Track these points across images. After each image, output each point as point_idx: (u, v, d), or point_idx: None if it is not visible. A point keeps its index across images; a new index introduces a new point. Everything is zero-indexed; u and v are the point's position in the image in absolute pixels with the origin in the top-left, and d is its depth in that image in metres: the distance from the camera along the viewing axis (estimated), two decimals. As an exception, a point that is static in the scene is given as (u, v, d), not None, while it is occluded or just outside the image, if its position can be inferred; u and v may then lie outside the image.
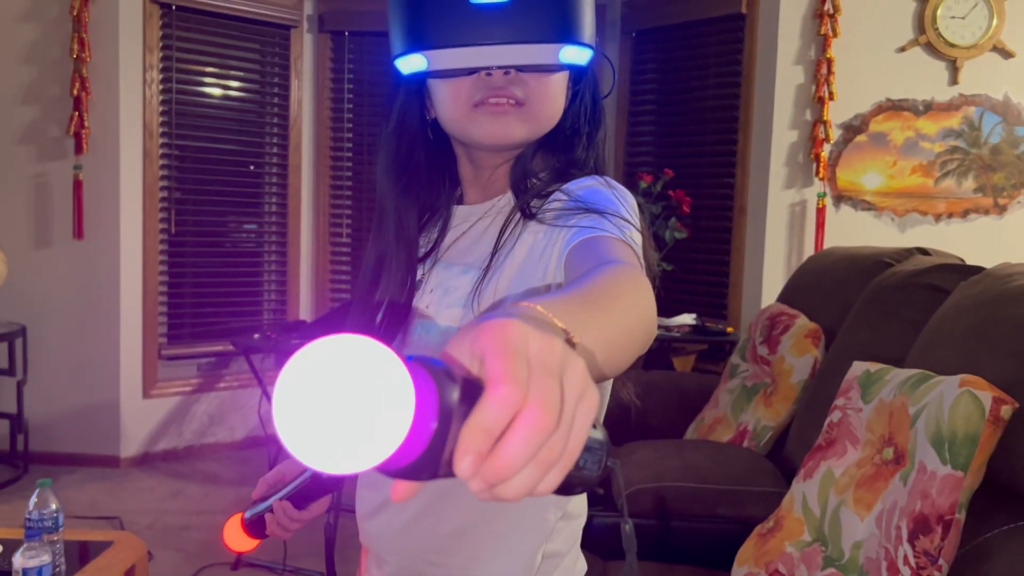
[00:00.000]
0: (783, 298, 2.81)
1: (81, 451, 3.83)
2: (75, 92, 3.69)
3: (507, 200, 0.92)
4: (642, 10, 4.12)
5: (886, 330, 2.04)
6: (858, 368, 1.85)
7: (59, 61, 3.71)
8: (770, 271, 3.68)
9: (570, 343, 0.49)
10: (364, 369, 0.38)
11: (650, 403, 2.77)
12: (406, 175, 0.94)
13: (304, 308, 4.37)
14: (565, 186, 0.87)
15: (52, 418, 3.82)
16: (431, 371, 0.41)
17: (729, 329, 3.65)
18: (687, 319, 3.63)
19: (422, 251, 0.97)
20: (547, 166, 0.92)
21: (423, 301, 0.93)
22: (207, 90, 4.10)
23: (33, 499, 1.84)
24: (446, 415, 0.40)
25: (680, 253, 3.86)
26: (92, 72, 3.71)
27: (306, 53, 4.30)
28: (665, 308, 3.81)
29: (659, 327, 3.55)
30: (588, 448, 0.48)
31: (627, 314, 0.61)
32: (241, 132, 4.21)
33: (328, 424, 0.37)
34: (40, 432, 3.79)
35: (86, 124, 3.72)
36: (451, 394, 0.41)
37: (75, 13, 3.66)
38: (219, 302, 4.18)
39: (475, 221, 0.94)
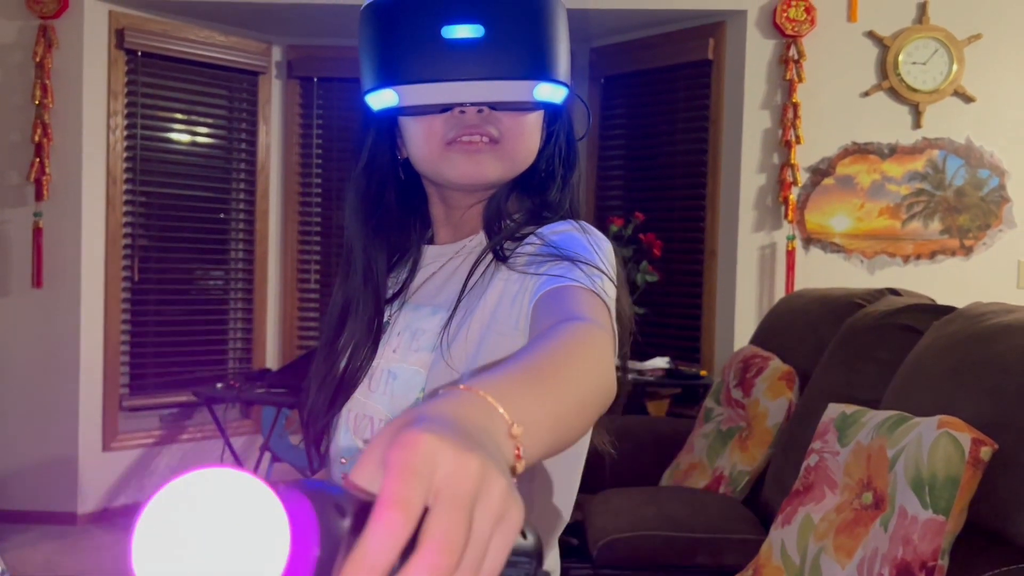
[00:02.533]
0: (756, 340, 2.79)
1: (36, 508, 3.67)
2: (36, 138, 3.63)
3: (479, 240, 0.90)
4: (610, 57, 4.16)
5: (861, 371, 2.02)
6: (834, 410, 1.82)
7: (20, 107, 3.66)
8: (742, 313, 3.67)
9: (512, 435, 0.46)
10: (231, 504, 0.34)
11: (624, 448, 2.71)
12: (375, 216, 0.92)
13: (271, 356, 4.28)
14: (539, 230, 0.84)
15: (6, 474, 3.67)
16: (309, 495, 0.37)
17: (703, 372, 3.62)
18: (660, 363, 3.60)
19: (390, 292, 0.93)
20: (521, 207, 0.90)
21: (390, 344, 0.90)
22: (173, 136, 4.06)
23: (-24, 561, 1.74)
24: (330, 542, 0.36)
25: (652, 296, 3.84)
26: (54, 118, 3.66)
27: (274, 99, 4.28)
28: (638, 352, 3.78)
29: (632, 371, 3.51)
30: (512, 563, 0.43)
31: (581, 383, 0.58)
32: (208, 178, 4.16)
33: (198, 571, 0.34)
34: (-7, 488, 3.64)
35: (47, 171, 3.65)
36: (335, 519, 0.37)
37: (38, 59, 3.61)
38: (183, 351, 4.08)
39: (445, 261, 0.92)
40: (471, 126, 0.82)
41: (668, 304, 3.95)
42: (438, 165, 0.85)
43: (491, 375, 0.52)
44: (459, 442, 0.38)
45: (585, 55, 4.25)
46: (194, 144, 4.12)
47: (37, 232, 3.67)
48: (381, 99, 0.83)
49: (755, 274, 3.69)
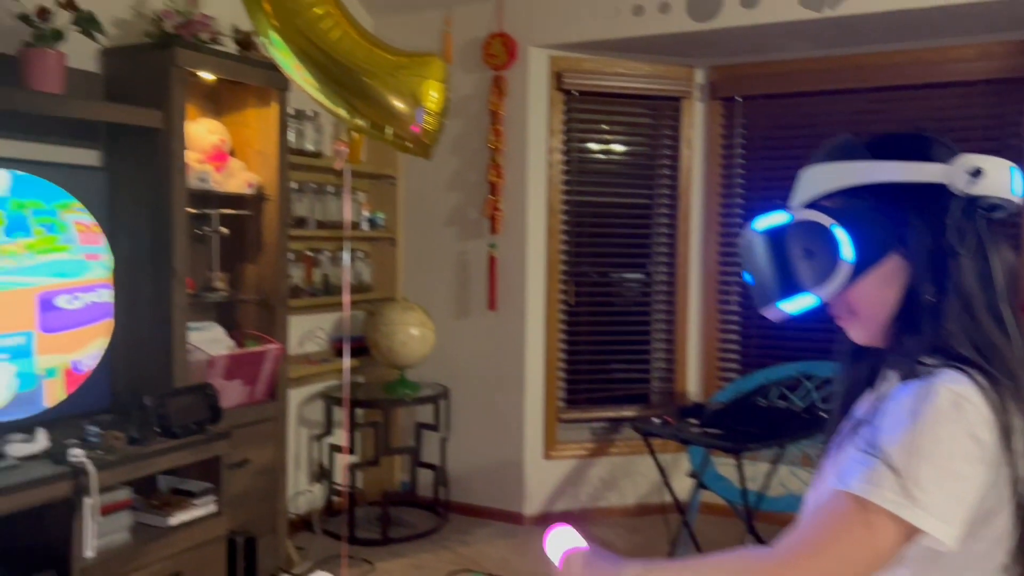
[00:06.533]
0: None
1: (491, 505, 4.18)
2: (490, 178, 4.11)
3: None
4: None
5: None
6: None
7: (477, 151, 4.16)
8: None
9: None
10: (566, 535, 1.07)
11: None
12: (846, 353, 1.10)
13: (691, 379, 4.34)
14: (892, 392, 0.92)
15: (468, 472, 4.23)
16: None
17: None
18: None
19: None
20: (907, 347, 0.95)
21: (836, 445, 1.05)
22: (601, 167, 4.31)
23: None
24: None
25: None
26: (505, 159, 4.10)
27: (696, 121, 4.32)
28: None
29: None
30: None
31: None
32: (632, 206, 4.35)
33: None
34: (459, 484, 4.22)
35: (499, 207, 4.11)
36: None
37: (492, 108, 4.09)
38: (611, 369, 4.33)
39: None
40: (833, 307, 1.02)
41: None
42: None
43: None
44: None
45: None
46: (621, 175, 4.33)
47: (491, 261, 4.16)
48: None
49: None
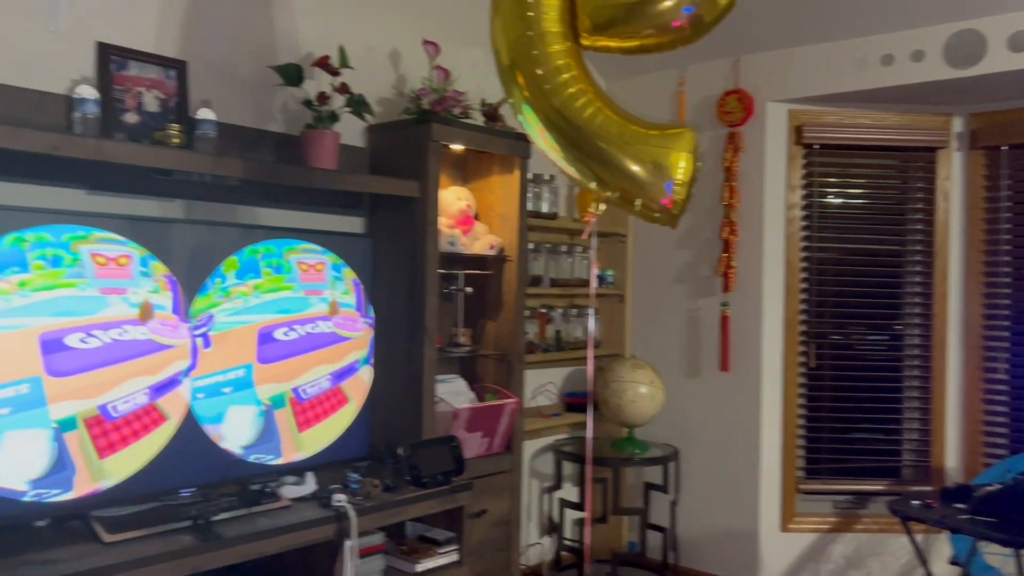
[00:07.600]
0: None
1: (723, 574, 4.01)
2: (724, 235, 4.03)
3: None
4: None
5: None
6: None
7: (710, 208, 4.10)
8: None
9: None
10: None
11: None
12: None
13: (950, 455, 3.95)
14: None
15: (699, 537, 4.11)
16: None
17: None
18: None
19: None
20: None
21: None
22: (845, 224, 4.08)
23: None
24: None
25: None
26: (739, 216, 4.01)
27: (954, 172, 3.99)
28: None
29: None
30: None
31: None
32: (881, 264, 4.07)
33: None
34: (689, 549, 4.10)
35: (733, 264, 4.02)
36: None
37: (727, 164, 4.02)
38: (856, 439, 4.03)
39: None
40: None
41: None
42: None
43: None
44: None
45: None
46: (867, 231, 4.08)
47: (724, 320, 4.06)
48: None
49: None
